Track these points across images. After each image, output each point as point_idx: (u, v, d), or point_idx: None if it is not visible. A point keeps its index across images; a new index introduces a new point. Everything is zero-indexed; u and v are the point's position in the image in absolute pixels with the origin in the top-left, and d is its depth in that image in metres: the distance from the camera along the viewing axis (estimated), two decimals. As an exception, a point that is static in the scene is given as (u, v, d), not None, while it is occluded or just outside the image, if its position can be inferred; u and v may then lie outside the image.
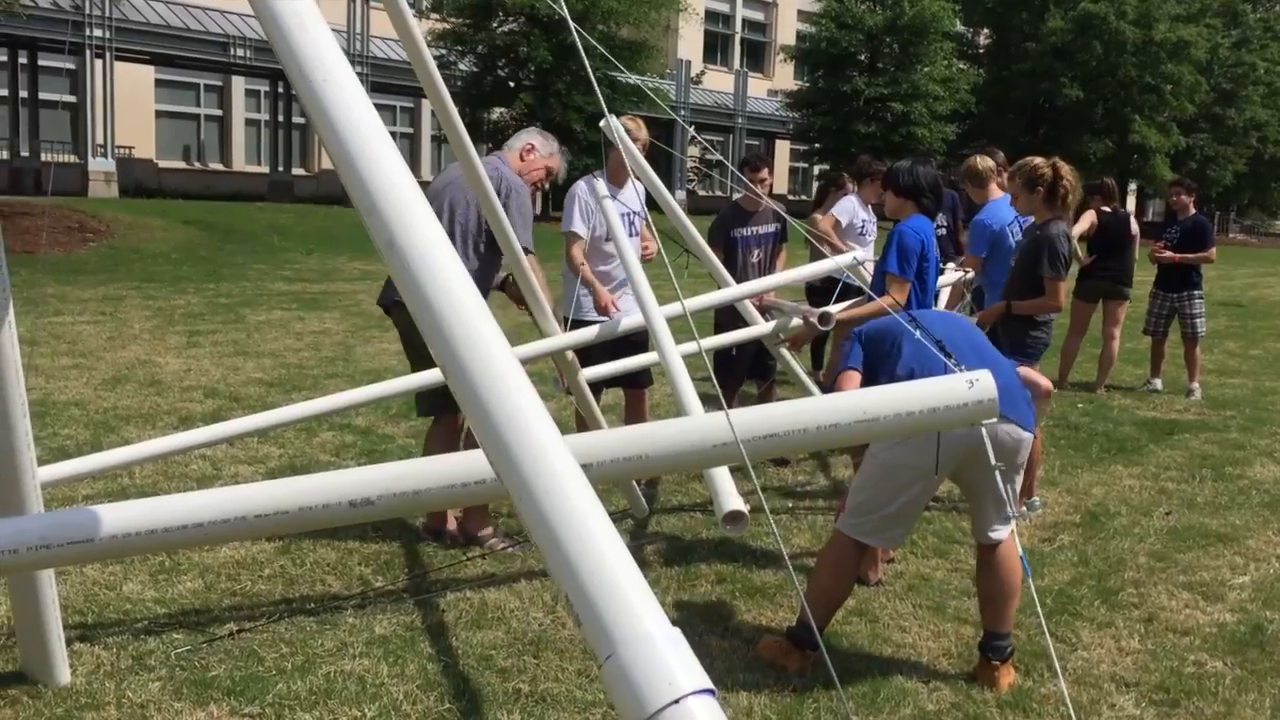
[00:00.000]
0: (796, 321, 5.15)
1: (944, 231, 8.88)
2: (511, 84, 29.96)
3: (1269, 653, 4.18)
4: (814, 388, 5.57)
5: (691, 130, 4.79)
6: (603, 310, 5.57)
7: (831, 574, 3.92)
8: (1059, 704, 3.70)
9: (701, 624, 4.24)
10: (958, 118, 38.73)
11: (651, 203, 5.24)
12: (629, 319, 4.75)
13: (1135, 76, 41.61)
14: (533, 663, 3.88)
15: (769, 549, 5.07)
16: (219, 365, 8.96)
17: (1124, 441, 7.65)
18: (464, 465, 2.58)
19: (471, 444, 4.87)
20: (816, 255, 8.45)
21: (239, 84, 34.10)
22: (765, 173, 6.80)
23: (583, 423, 5.60)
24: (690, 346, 4.38)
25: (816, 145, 38.62)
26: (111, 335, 10.12)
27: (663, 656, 1.58)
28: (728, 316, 6.03)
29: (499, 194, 4.68)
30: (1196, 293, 9.71)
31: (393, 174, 2.15)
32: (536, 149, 5.20)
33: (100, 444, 6.42)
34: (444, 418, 5.07)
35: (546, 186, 5.48)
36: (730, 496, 2.85)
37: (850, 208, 8.07)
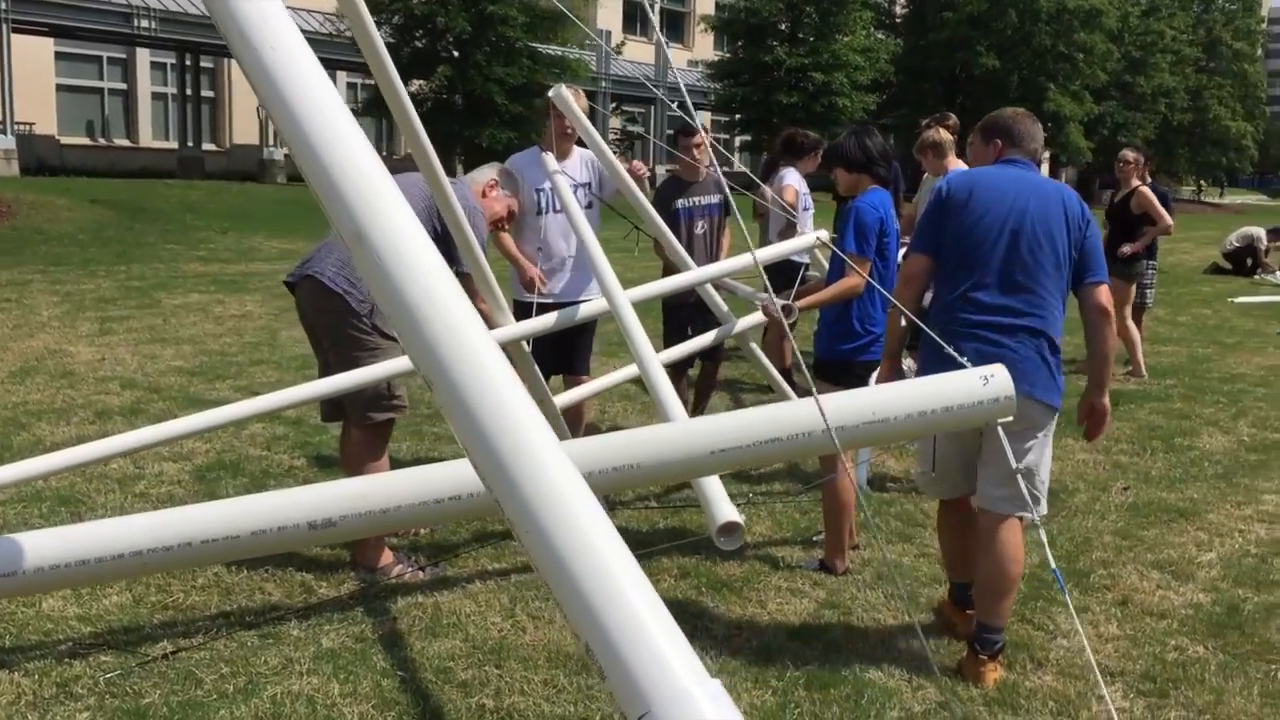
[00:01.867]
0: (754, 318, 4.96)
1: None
2: (430, 55, 29.28)
3: (1249, 635, 4.09)
4: (789, 389, 5.37)
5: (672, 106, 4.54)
6: (527, 286, 5.30)
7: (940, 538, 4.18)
8: (1046, 698, 3.57)
9: (669, 624, 4.03)
10: (877, 87, 38.82)
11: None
12: (591, 305, 4.49)
13: (1049, 45, 42.12)
14: (495, 674, 3.64)
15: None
16: (135, 354, 8.52)
17: (1070, 414, 7.56)
18: (436, 480, 2.33)
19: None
20: (766, 230, 8.28)
21: (144, 56, 32.88)
22: (699, 137, 6.57)
23: None
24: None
25: (738, 116, 38.45)
26: (18, 323, 9.60)
27: (705, 718, 1.39)
28: (676, 298, 5.82)
29: None
30: (1151, 262, 9.58)
31: (356, 154, 1.88)
32: (499, 187, 4.86)
33: (10, 442, 6.02)
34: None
35: (507, 228, 5.18)
36: (724, 505, 2.62)
37: (798, 179, 7.88)
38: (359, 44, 3.35)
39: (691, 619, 4.10)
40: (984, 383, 2.34)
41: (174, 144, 31.88)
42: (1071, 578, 4.58)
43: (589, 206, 5.48)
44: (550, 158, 5.04)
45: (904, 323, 3.84)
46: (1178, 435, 7.09)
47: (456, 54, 28.25)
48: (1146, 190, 8.97)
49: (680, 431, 2.41)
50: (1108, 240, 9.02)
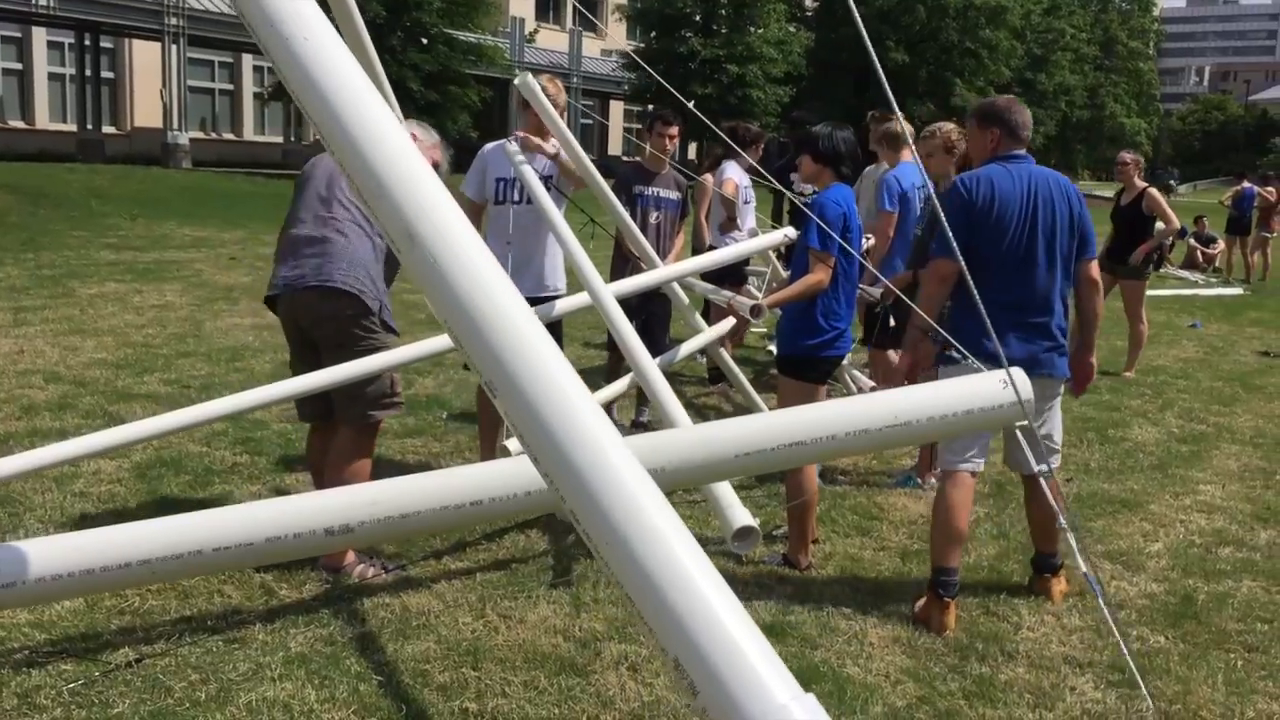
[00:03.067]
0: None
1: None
2: (341, 39, 28.76)
3: (1205, 624, 4.20)
4: (756, 397, 5.34)
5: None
6: None
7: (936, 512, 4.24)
8: (1022, 691, 3.62)
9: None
10: (790, 80, 39.18)
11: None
12: (567, 300, 4.43)
13: (956, 40, 42.96)
14: (473, 675, 3.57)
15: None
16: (55, 345, 8.20)
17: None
18: (459, 484, 2.27)
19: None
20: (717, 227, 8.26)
21: (40, 35, 31.74)
22: (675, 129, 6.55)
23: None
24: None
25: (651, 107, 38.50)
26: (-75, 313, 9.19)
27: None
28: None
29: None
30: None
31: (402, 151, 1.82)
32: (419, 139, 4.64)
33: (-66, 440, 5.76)
34: (325, 425, 4.57)
35: None
36: (737, 509, 2.59)
37: (738, 172, 7.89)
38: (338, 21, 3.26)
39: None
40: (1004, 386, 2.35)
41: (73, 126, 30.87)
42: (1028, 570, 4.65)
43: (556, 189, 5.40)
44: (515, 147, 4.95)
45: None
46: (1110, 427, 7.27)
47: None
48: (1155, 192, 9.08)
49: (703, 435, 2.38)
50: (1113, 241, 9.13)
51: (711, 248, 7.85)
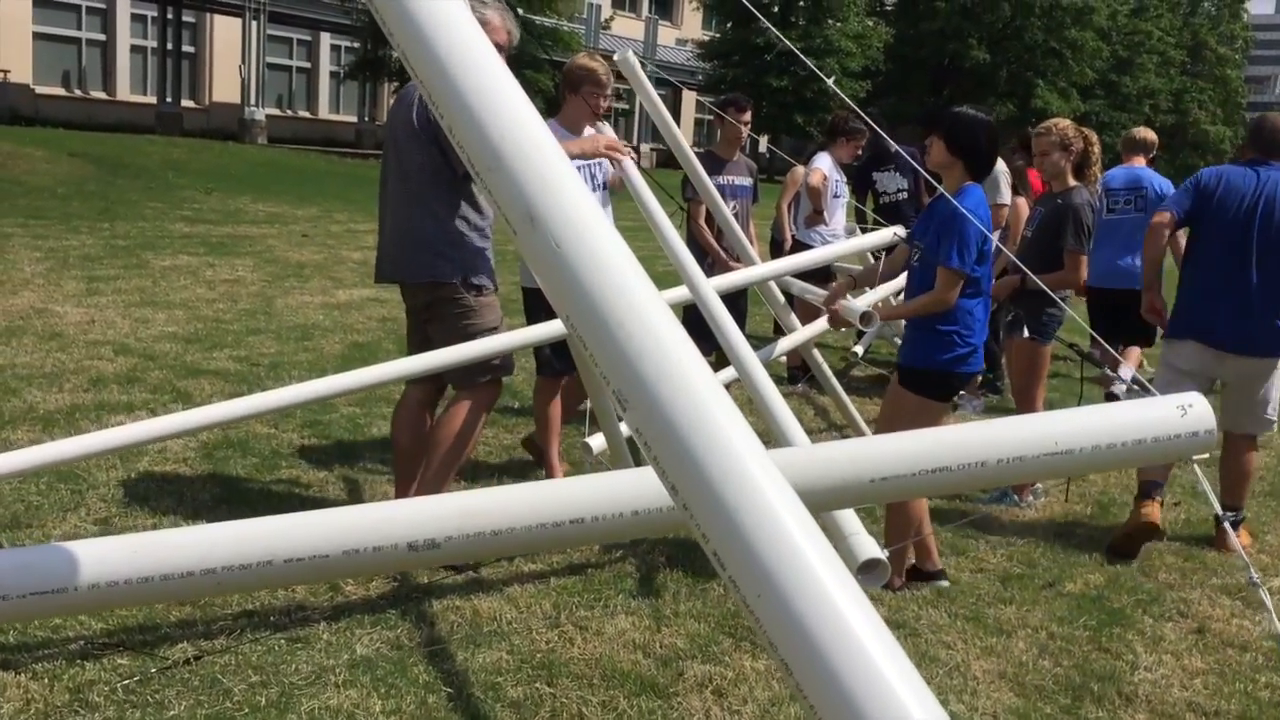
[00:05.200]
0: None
1: (905, 195, 8.46)
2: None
3: (1341, 673, 3.85)
4: (850, 405, 5.02)
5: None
6: None
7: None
8: (1144, 740, 3.31)
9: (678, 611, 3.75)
10: (867, 75, 38.58)
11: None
12: (666, 295, 4.15)
13: (1040, 40, 42.04)
14: (549, 692, 3.34)
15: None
16: (126, 316, 8.11)
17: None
18: (559, 499, 2.02)
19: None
20: (794, 215, 7.97)
21: (124, 7, 32.07)
22: (749, 114, 6.28)
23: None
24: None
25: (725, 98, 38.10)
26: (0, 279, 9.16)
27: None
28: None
29: (431, 113, 4.03)
30: None
31: (525, 120, 1.57)
32: (490, 23, 4.00)
33: (1, 409, 5.64)
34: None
35: None
36: (862, 537, 2.31)
37: (829, 165, 7.58)
38: None
39: (747, 633, 3.82)
40: (1182, 413, 2.05)
41: (152, 99, 31.14)
42: (1142, 602, 4.33)
43: (604, 188, 5.11)
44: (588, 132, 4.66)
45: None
46: (1217, 447, 6.86)
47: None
48: None
49: (829, 455, 2.11)
50: None
51: (795, 241, 7.57)
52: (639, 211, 4.32)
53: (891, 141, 3.94)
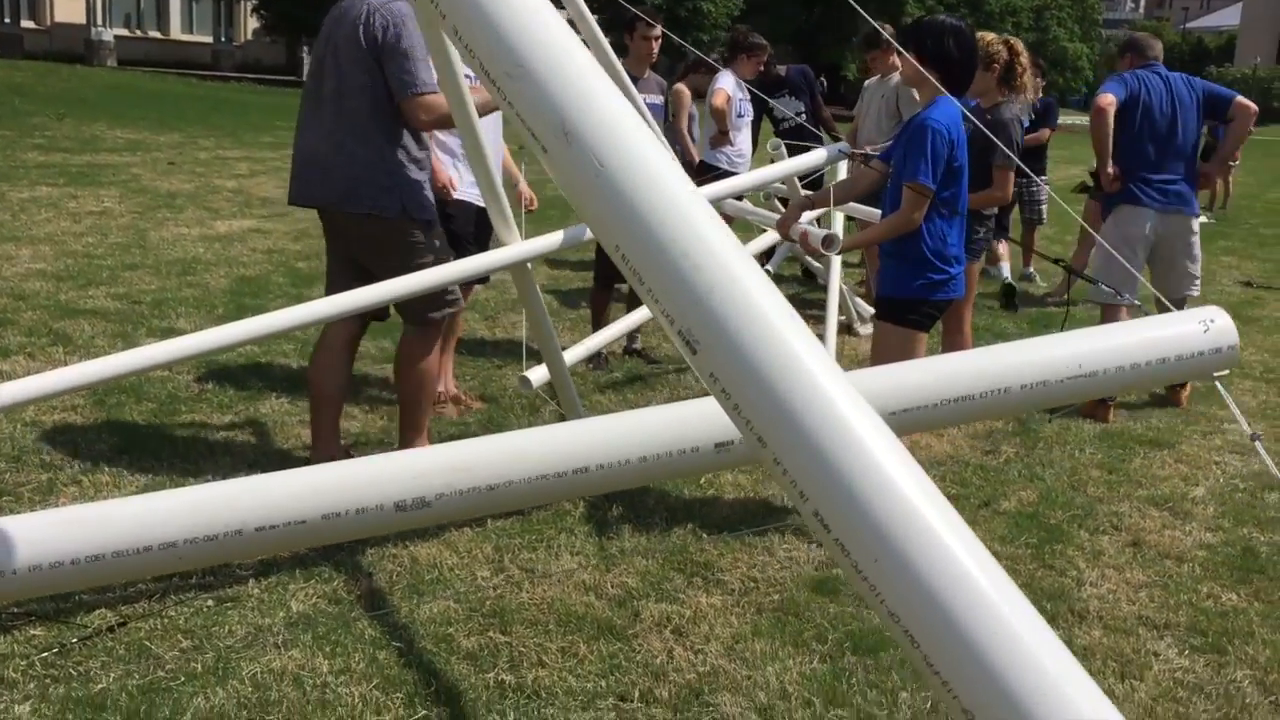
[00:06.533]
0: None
1: (804, 116, 8.36)
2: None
3: (1276, 580, 3.92)
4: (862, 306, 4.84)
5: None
6: (440, 190, 4.64)
7: None
8: (1105, 658, 3.30)
9: (679, 578, 3.63)
10: (739, -8, 38.34)
11: None
12: None
13: (907, -43, 42.28)
14: (504, 640, 3.18)
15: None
16: (-13, 254, 7.55)
17: (1009, 339, 7.43)
18: (552, 446, 1.84)
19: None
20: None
21: (-48, -80, 29.91)
22: (658, 30, 6.04)
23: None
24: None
25: (596, 15, 37.44)
26: None
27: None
28: None
29: (378, 32, 3.74)
30: (1042, 177, 9.57)
31: (546, 18, 1.37)
32: None
33: None
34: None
35: None
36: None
37: (732, 84, 7.39)
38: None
39: (698, 568, 3.71)
40: (1204, 329, 1.97)
41: (-11, 20, 29.20)
42: (1077, 517, 4.35)
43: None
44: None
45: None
46: (1117, 360, 6.98)
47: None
48: None
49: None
50: None
51: (703, 164, 7.39)
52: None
53: (909, 57, 3.72)
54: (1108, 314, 5.68)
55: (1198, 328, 1.98)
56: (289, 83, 32.69)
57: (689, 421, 1.89)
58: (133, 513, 1.74)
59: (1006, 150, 4.68)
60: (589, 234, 3.72)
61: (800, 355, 1.19)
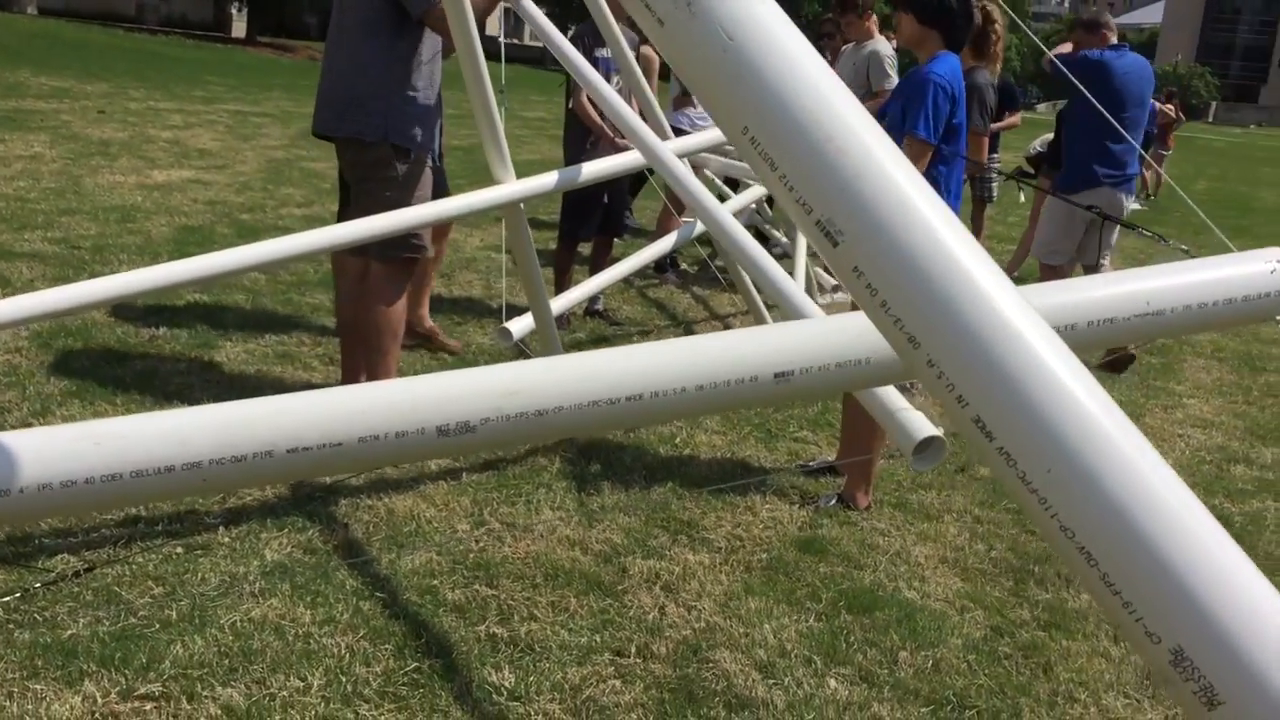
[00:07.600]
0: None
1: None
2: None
3: (1251, 548, 3.94)
4: (754, 291, 4.75)
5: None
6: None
7: None
8: (1098, 620, 3.28)
9: (662, 534, 3.54)
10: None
11: None
12: (622, 158, 3.78)
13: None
14: (490, 594, 3.05)
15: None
16: (-88, 194, 7.17)
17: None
18: (611, 371, 1.72)
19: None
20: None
21: None
22: None
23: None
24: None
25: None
26: None
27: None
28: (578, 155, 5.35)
29: None
30: (994, 156, 9.63)
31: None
32: None
33: None
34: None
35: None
36: (914, 415, 2.07)
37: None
38: None
39: (682, 526, 3.62)
40: (1271, 270, 1.91)
41: (-100, -40, 27.90)
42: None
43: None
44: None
45: None
46: (1073, 335, 7.03)
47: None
48: None
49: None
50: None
51: (675, 129, 7.25)
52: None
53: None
54: (1045, 273, 5.90)
55: (1265, 267, 1.92)
56: (218, 38, 31.86)
57: (747, 349, 1.78)
58: (156, 429, 1.59)
59: (981, 115, 4.64)
60: (583, 176, 3.58)
61: (956, 251, 1.09)
